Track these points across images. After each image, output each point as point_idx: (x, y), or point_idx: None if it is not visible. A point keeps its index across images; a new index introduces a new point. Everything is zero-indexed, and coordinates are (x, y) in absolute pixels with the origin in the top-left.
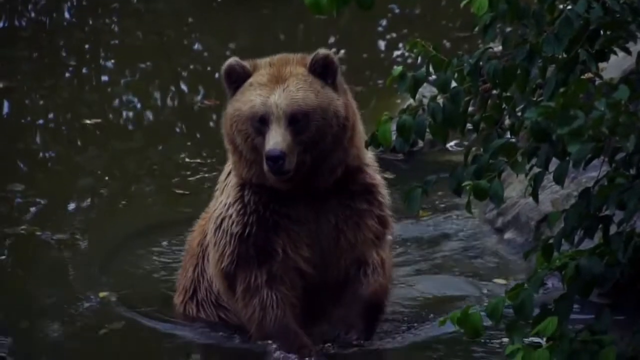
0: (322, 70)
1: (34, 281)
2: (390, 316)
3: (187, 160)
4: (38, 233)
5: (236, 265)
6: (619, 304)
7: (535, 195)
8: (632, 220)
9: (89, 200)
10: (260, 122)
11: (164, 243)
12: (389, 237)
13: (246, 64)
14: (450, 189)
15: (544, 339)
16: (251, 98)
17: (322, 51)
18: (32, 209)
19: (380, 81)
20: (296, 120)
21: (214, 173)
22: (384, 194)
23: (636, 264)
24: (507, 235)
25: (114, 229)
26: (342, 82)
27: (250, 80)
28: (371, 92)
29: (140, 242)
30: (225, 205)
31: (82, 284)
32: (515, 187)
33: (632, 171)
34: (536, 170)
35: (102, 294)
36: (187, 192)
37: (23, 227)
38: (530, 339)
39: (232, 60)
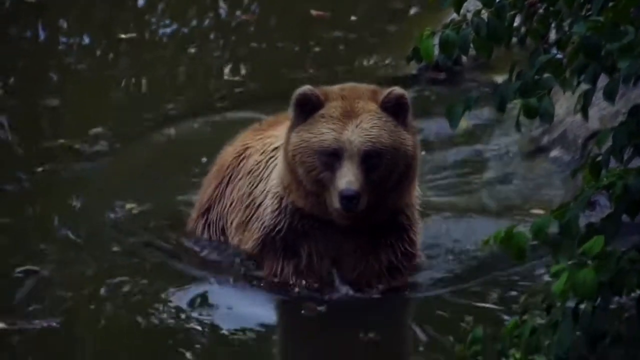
0: (395, 109)
1: (67, 189)
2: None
3: (225, 78)
4: (77, 146)
5: (261, 250)
6: None
7: (584, 113)
8: None
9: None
10: (331, 157)
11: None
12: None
13: (320, 93)
14: (494, 105)
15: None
16: (323, 131)
17: (397, 90)
18: (66, 123)
19: None
20: (369, 159)
21: (253, 87)
22: (417, 231)
23: None
24: (553, 153)
25: (146, 144)
26: (411, 121)
27: (322, 111)
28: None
29: (173, 160)
30: (266, 197)
31: (111, 194)
32: (562, 104)
33: None
34: (584, 86)
35: (128, 206)
36: (224, 105)
37: (61, 140)
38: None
39: (307, 89)
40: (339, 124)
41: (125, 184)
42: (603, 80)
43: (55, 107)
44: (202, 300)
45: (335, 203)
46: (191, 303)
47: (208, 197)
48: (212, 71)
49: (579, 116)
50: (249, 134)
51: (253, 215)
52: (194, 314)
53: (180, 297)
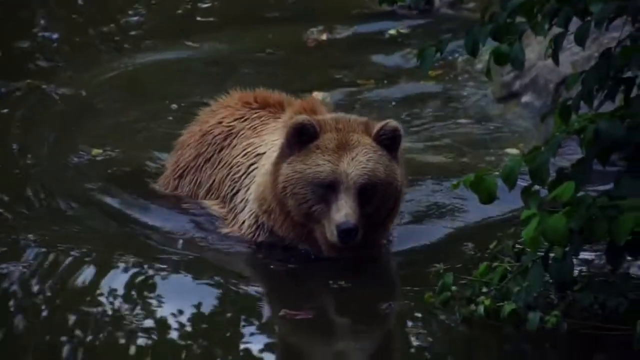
0: (389, 142)
1: (36, 132)
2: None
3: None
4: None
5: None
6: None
7: (555, 57)
8: None
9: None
10: (326, 189)
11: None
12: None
13: (316, 124)
14: (466, 49)
15: (561, 205)
16: (319, 162)
17: (392, 123)
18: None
19: None
20: (364, 192)
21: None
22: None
23: None
24: (525, 98)
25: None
26: (401, 152)
27: (317, 143)
28: None
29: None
30: (244, 209)
31: (80, 139)
32: (533, 48)
33: None
34: (556, 30)
35: (95, 151)
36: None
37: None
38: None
39: (305, 119)
40: (334, 156)
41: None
42: (576, 23)
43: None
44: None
45: (332, 236)
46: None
47: (185, 163)
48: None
49: (550, 61)
50: (237, 107)
51: (232, 219)
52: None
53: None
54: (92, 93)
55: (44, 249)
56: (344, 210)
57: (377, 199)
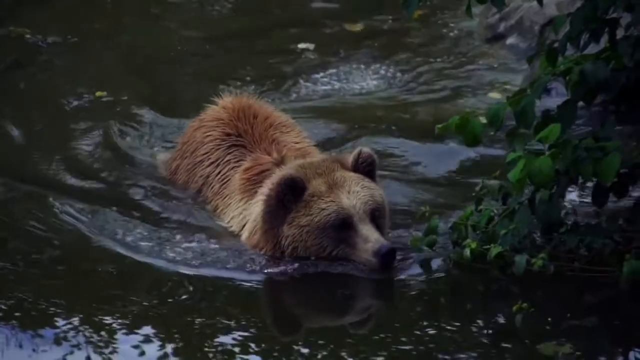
0: (367, 169)
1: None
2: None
3: None
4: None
5: None
6: (624, 112)
7: None
8: None
9: None
10: (340, 229)
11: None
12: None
13: (303, 175)
14: None
15: (546, 147)
16: (322, 207)
17: (365, 150)
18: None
19: None
20: (374, 218)
21: None
22: None
23: None
24: (510, 40)
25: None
26: (378, 178)
27: (309, 192)
28: None
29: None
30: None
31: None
32: None
33: None
34: None
35: (98, 93)
36: None
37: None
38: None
39: (292, 173)
40: (332, 196)
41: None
42: None
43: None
44: None
45: (371, 264)
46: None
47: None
48: None
49: (535, 2)
50: (246, 122)
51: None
52: None
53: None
54: None
55: None
56: (373, 236)
57: (382, 221)
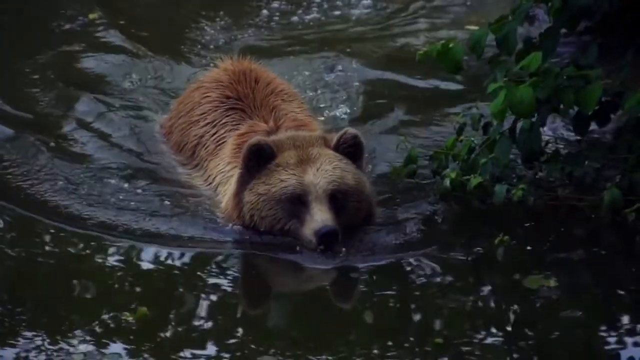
0: (351, 150)
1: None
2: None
3: None
4: None
5: None
6: (607, 40)
7: None
8: None
9: None
10: (296, 204)
11: None
12: None
13: (272, 144)
14: None
15: (527, 75)
16: (282, 178)
17: (351, 130)
18: None
19: None
20: (335, 200)
21: None
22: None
23: None
24: None
25: None
26: (366, 164)
27: (276, 161)
28: None
29: None
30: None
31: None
32: None
33: None
34: None
35: (91, 15)
36: None
37: None
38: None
39: (260, 139)
40: (298, 170)
41: None
42: None
43: None
44: None
45: (311, 244)
46: None
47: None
48: None
49: None
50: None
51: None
52: None
53: None
54: None
55: None
56: (319, 216)
57: (349, 208)
